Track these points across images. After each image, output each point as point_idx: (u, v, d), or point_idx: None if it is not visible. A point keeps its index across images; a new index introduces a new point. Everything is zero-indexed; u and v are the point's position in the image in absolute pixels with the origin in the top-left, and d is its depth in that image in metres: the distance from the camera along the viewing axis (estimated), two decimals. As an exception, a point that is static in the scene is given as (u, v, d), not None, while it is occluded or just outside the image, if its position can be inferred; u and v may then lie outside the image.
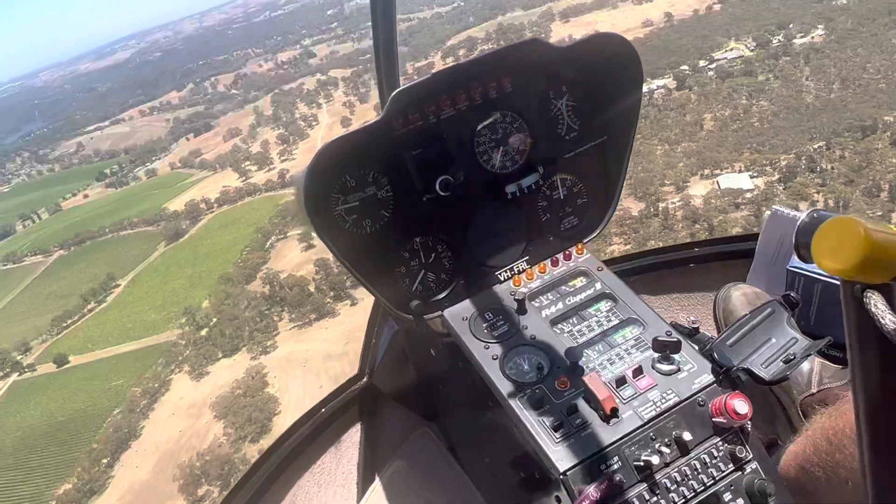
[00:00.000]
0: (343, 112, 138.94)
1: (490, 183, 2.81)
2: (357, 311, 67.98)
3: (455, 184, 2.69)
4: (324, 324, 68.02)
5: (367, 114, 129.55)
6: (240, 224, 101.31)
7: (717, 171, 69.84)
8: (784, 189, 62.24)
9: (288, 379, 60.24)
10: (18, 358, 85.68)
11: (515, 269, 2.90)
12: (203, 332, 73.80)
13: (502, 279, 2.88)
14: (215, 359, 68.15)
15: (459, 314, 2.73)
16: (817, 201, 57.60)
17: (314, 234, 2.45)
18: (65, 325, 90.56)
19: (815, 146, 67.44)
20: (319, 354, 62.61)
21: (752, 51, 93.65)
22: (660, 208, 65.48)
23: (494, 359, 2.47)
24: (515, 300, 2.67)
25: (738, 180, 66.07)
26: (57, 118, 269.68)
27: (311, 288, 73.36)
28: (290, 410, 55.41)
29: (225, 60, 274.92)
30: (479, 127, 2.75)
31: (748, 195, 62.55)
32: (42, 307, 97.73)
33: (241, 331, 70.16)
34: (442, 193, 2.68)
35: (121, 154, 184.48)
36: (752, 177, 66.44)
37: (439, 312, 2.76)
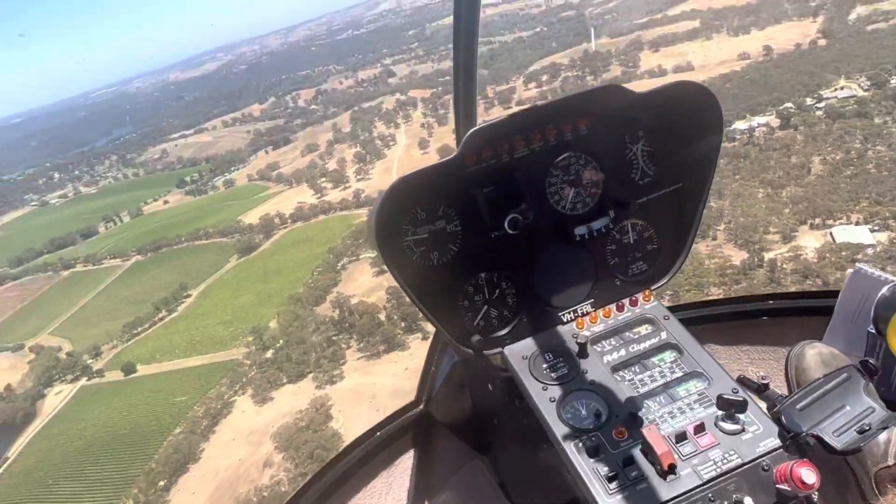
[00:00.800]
0: (421, 133, 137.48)
1: (559, 224, 2.85)
2: (426, 345, 64.80)
3: (524, 222, 2.72)
4: (393, 357, 65.09)
5: (445, 136, 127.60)
6: (312, 242, 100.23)
7: (830, 222, 63.48)
8: (912, 248, 55.73)
9: (353, 414, 57.35)
10: (89, 362, 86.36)
11: (579, 312, 2.89)
12: (269, 354, 72.09)
13: (565, 320, 2.87)
14: (280, 384, 66.07)
15: (520, 352, 2.74)
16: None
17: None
18: (135, 332, 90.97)
19: (947, 201, 60.55)
20: (387, 390, 59.55)
21: (866, 90, 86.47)
22: (765, 259, 59.83)
23: (552, 401, 2.49)
24: (577, 343, 2.66)
25: (856, 234, 59.65)
26: (145, 124, 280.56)
27: (382, 317, 70.69)
28: (354, 450, 52.50)
29: (307, 76, 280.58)
30: (551, 167, 2.79)
31: (869, 251, 56.22)
32: (115, 311, 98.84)
33: (308, 356, 67.98)
34: (510, 231, 2.72)
35: (202, 163, 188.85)
36: (872, 230, 59.91)
37: (500, 349, 2.79)
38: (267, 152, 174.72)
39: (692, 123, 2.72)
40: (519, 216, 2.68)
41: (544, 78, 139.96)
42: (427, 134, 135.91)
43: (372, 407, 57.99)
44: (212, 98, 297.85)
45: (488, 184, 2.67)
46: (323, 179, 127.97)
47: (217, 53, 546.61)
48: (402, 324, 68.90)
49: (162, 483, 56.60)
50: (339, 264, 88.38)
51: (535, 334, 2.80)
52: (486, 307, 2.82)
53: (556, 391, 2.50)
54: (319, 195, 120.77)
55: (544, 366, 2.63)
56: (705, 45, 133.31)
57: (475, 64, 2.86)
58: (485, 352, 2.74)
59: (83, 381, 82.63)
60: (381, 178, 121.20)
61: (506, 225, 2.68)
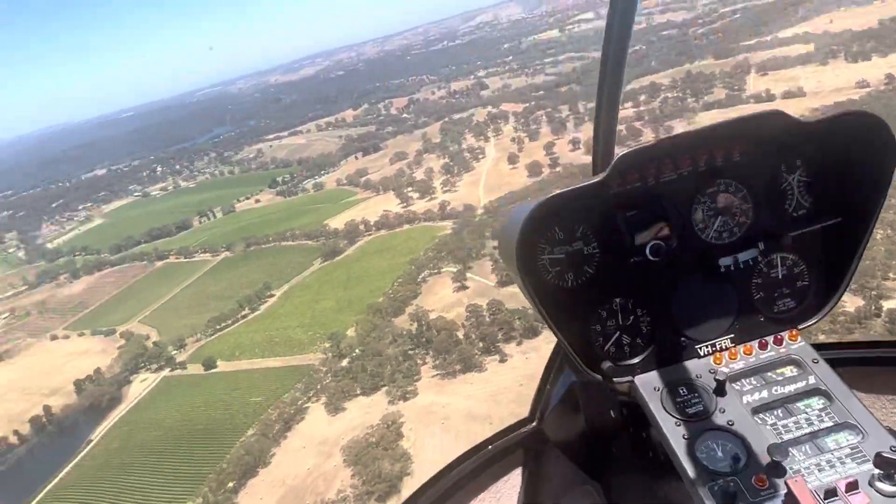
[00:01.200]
0: (511, 148, 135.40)
1: (703, 253, 2.75)
2: (505, 370, 62.60)
3: (666, 249, 2.63)
4: (469, 378, 63.15)
5: (535, 152, 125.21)
6: (395, 252, 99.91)
7: (963, 272, 57.22)
8: None
9: (425, 435, 55.74)
10: (173, 353, 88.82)
11: (718, 346, 2.76)
12: (344, 363, 71.64)
13: (702, 354, 2.76)
14: (353, 394, 65.35)
15: (651, 383, 2.66)
16: None
17: (515, 280, 2.56)
18: (219, 327, 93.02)
19: None
20: (461, 413, 57.68)
21: None
22: (883, 308, 54.37)
23: (685, 437, 2.38)
24: (715, 379, 2.54)
25: None
26: (244, 124, 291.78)
27: (460, 335, 68.96)
28: (422, 473, 50.79)
29: (400, 85, 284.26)
30: (699, 193, 2.71)
31: None
32: (202, 305, 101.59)
33: (383, 369, 67.02)
34: (651, 258, 2.63)
35: (294, 164, 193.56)
36: None
37: (630, 378, 2.70)
38: (357, 158, 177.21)
39: (860, 157, 2.53)
40: (662, 242, 2.59)
41: (642, 98, 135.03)
42: (517, 149, 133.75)
43: (444, 429, 56.31)
44: (308, 102, 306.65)
45: (631, 207, 2.60)
46: (409, 189, 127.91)
47: (316, 59, 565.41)
48: (481, 344, 66.98)
49: (231, 484, 56.75)
50: (420, 276, 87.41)
51: (668, 366, 2.70)
52: (618, 333, 2.74)
53: (689, 428, 2.38)
54: (405, 204, 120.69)
55: (678, 399, 2.51)
56: (819, 71, 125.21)
57: (621, 86, 2.77)
58: (614, 379, 2.66)
59: (166, 372, 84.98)
60: (468, 190, 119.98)
61: (647, 251, 2.59)
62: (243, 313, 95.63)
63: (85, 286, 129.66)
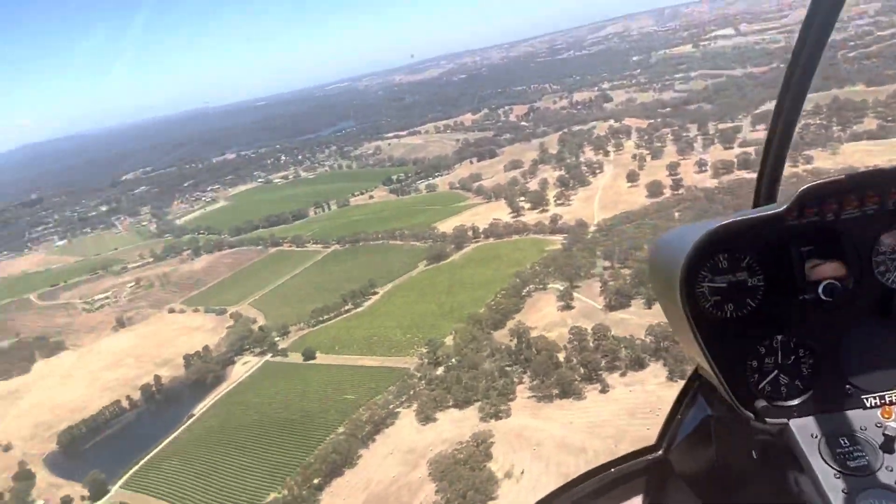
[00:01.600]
0: (631, 165, 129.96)
1: (882, 296, 2.57)
2: (606, 402, 59.17)
3: (841, 290, 2.48)
4: (566, 405, 60.16)
5: (657, 172, 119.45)
6: (501, 262, 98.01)
7: None
8: None
9: (514, 459, 53.43)
10: (276, 339, 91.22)
11: (888, 399, 2.56)
12: (439, 371, 70.48)
13: (868, 405, 2.56)
14: (445, 406, 63.96)
15: (808, 429, 2.51)
16: None
17: (664, 306, 2.55)
18: (321, 318, 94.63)
19: None
20: (554, 441, 54.91)
21: None
22: None
23: (844, 492, 2.24)
24: (883, 434, 2.37)
25: None
26: (366, 120, 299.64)
27: (561, 357, 66.04)
28: (507, 501, 48.58)
29: (522, 92, 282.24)
30: (883, 233, 2.55)
31: None
32: (308, 295, 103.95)
33: (478, 383, 65.21)
34: (823, 297, 2.47)
35: (409, 164, 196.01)
36: None
37: (785, 420, 2.56)
38: (471, 162, 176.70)
39: None
40: (837, 282, 2.43)
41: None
42: (638, 166, 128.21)
43: (535, 456, 53.77)
44: (429, 103, 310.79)
45: (807, 242, 2.47)
46: (521, 198, 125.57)
47: (440, 61, 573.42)
48: (582, 370, 63.78)
49: (317, 481, 56.76)
50: (525, 290, 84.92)
51: (828, 412, 2.53)
52: (776, 372, 2.61)
53: (850, 482, 2.22)
54: (516, 214, 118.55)
55: (838, 451, 2.34)
56: None
57: (799, 114, 2.71)
58: (768, 420, 2.51)
59: (268, 357, 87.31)
60: (582, 205, 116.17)
61: (819, 290, 2.43)
62: (346, 308, 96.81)
63: (204, 264, 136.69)
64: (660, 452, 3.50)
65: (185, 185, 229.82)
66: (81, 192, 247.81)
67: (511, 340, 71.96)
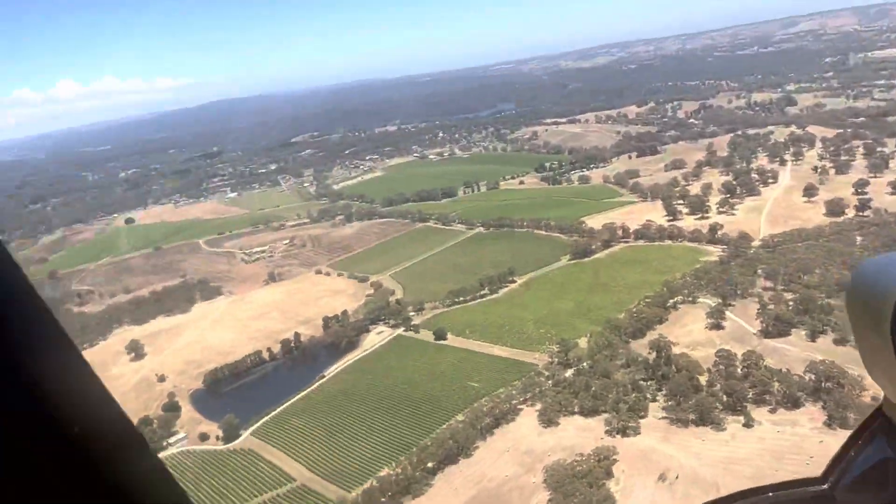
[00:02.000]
0: (810, 178, 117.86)
1: None
2: (749, 438, 53.81)
3: None
4: (702, 433, 55.40)
5: (841, 188, 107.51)
6: (649, 267, 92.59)
7: None
8: None
9: (635, 484, 50.01)
10: (411, 314, 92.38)
11: None
12: (568, 373, 67.74)
13: None
14: (570, 411, 61.34)
15: None
16: None
17: (860, 339, 2.35)
18: (457, 300, 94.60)
19: None
20: (684, 471, 50.69)
21: None
22: None
23: None
24: None
25: None
26: (526, 104, 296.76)
27: (703, 380, 61.00)
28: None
29: (694, 87, 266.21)
30: None
31: None
32: (446, 274, 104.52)
33: (608, 393, 61.84)
34: None
35: (565, 152, 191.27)
36: None
37: None
38: (630, 157, 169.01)
39: None
40: None
41: None
42: (818, 180, 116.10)
43: (659, 485, 49.92)
44: (593, 91, 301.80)
45: None
46: (680, 201, 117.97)
47: (612, 48, 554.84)
48: (725, 398, 58.52)
49: (430, 465, 56.61)
50: (671, 301, 79.48)
51: None
52: None
53: None
54: (671, 217, 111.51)
55: None
56: None
57: None
58: None
59: (401, 331, 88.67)
60: (747, 216, 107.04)
61: None
62: (482, 292, 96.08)
63: (354, 231, 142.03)
64: (825, 486, 3.12)
65: (347, 152, 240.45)
66: (256, 149, 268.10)
67: (649, 353, 67.64)
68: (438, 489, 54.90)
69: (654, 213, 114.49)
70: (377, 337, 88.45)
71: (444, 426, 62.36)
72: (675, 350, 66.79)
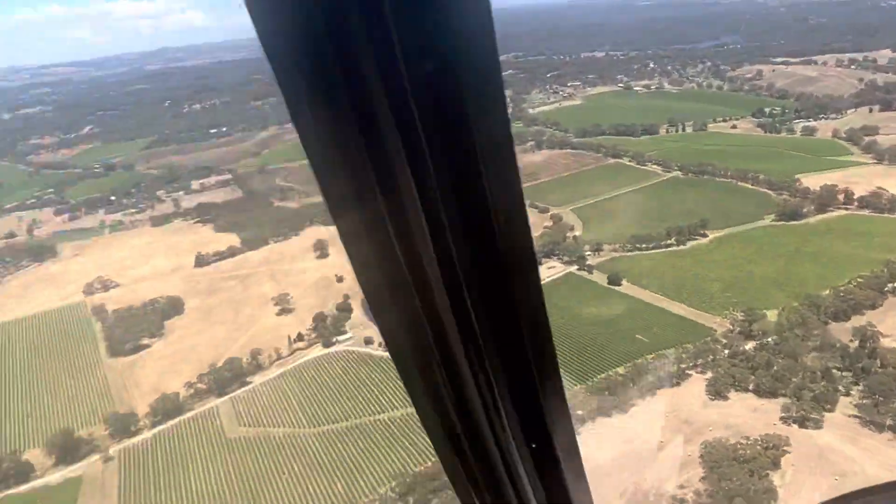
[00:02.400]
0: None
1: None
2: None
3: None
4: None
5: None
6: (870, 242, 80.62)
7: None
8: None
9: (804, 482, 44.99)
10: (587, 254, 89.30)
11: None
12: (749, 346, 61.88)
13: None
14: (743, 387, 56.33)
15: None
16: None
17: None
18: (639, 246, 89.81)
19: None
20: (865, 480, 44.28)
21: None
22: None
23: None
24: None
25: None
26: (754, 38, 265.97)
27: (913, 384, 52.62)
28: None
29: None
30: None
31: None
32: (631, 218, 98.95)
33: (791, 376, 55.76)
34: None
35: (791, 98, 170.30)
36: None
37: None
38: (871, 111, 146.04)
39: None
40: None
41: None
42: None
43: (831, 487, 44.41)
44: (838, 29, 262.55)
45: None
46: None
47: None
48: (938, 410, 50.14)
49: (580, 412, 55.22)
50: (889, 286, 68.84)
51: None
52: None
53: None
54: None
55: None
56: None
57: None
58: None
59: (573, 269, 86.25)
60: None
61: None
62: (668, 242, 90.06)
63: (543, 158, 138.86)
64: None
65: (549, 75, 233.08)
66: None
67: (851, 341, 59.59)
68: (584, 440, 53.46)
69: (890, 180, 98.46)
70: (547, 272, 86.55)
71: (603, 375, 60.28)
72: (884, 342, 58.16)
